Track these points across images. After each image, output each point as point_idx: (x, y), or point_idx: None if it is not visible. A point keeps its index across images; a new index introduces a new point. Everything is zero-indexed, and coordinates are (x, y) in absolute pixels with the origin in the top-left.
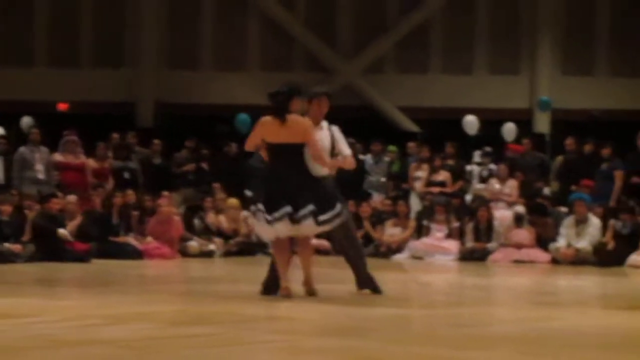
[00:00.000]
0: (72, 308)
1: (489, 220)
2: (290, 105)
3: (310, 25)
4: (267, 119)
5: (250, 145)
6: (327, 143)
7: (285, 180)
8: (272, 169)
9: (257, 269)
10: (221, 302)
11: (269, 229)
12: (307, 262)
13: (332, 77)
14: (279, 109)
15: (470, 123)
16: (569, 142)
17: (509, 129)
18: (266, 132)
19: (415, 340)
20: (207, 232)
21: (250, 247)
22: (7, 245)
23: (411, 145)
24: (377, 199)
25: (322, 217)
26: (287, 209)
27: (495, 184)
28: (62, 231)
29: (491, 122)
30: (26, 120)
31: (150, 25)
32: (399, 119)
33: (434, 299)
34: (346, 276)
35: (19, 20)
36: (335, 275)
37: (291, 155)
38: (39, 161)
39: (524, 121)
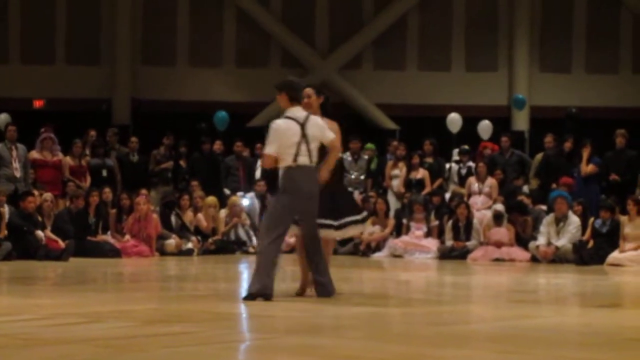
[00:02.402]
0: (48, 306)
1: (468, 219)
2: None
3: (286, 22)
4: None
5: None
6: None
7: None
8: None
9: (236, 267)
10: (198, 300)
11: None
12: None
13: (308, 74)
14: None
15: (454, 121)
16: (548, 139)
17: (485, 127)
18: None
19: (393, 339)
20: (185, 230)
21: (228, 246)
22: None
23: (394, 143)
24: (356, 197)
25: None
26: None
27: (474, 183)
28: (38, 232)
29: (469, 119)
30: (3, 117)
31: (126, 21)
32: (377, 116)
33: (413, 297)
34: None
35: None
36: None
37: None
38: (16, 159)
39: (503, 118)
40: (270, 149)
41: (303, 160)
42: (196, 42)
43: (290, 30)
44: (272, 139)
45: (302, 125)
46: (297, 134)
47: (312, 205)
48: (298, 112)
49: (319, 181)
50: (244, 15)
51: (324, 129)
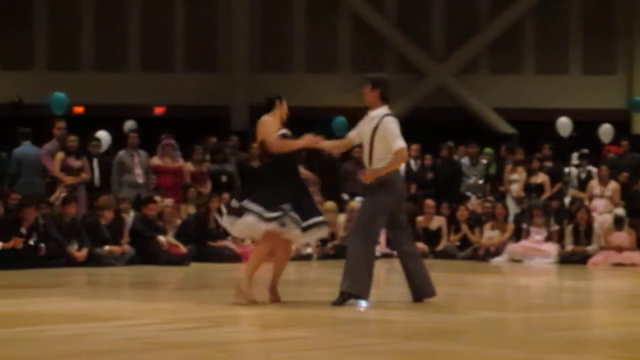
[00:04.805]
0: (169, 311)
1: (589, 223)
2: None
3: (401, 26)
4: (270, 119)
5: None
6: None
7: (299, 182)
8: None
9: None
10: (315, 305)
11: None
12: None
13: (424, 79)
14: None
15: (564, 125)
16: None
17: (606, 130)
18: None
19: (512, 344)
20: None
21: (344, 251)
22: (107, 248)
23: (503, 148)
24: (475, 202)
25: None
26: (319, 218)
27: (596, 186)
28: (160, 238)
29: (586, 123)
30: (129, 124)
31: (243, 28)
32: (493, 120)
33: (532, 302)
34: (442, 279)
35: (113, 28)
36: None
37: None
38: (138, 165)
39: (621, 122)
40: (402, 141)
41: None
42: (312, 48)
43: (406, 34)
44: (399, 132)
45: None
46: None
47: (403, 207)
48: (387, 110)
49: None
50: (359, 20)
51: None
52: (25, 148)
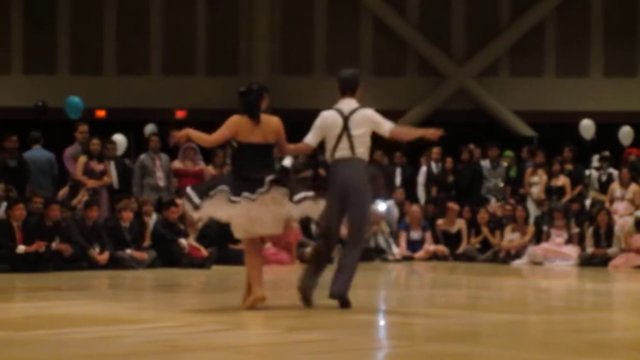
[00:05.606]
0: (192, 314)
1: (609, 225)
2: (261, 103)
3: (422, 29)
4: (239, 118)
5: (216, 140)
6: None
7: (259, 181)
8: (240, 169)
9: (375, 275)
10: (338, 307)
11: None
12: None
13: (445, 82)
14: (252, 108)
15: (587, 127)
16: None
17: (626, 133)
18: (239, 131)
19: (533, 346)
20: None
21: (367, 254)
22: (129, 252)
23: (524, 151)
24: (495, 205)
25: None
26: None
27: (616, 189)
28: (182, 241)
29: (607, 125)
30: (149, 128)
31: (264, 32)
32: (514, 123)
33: (553, 304)
34: (462, 281)
35: (135, 32)
36: (451, 280)
37: (264, 155)
38: (159, 168)
39: None
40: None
41: None
42: (333, 50)
43: (427, 37)
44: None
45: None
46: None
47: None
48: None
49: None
50: (380, 23)
51: None
52: (36, 152)
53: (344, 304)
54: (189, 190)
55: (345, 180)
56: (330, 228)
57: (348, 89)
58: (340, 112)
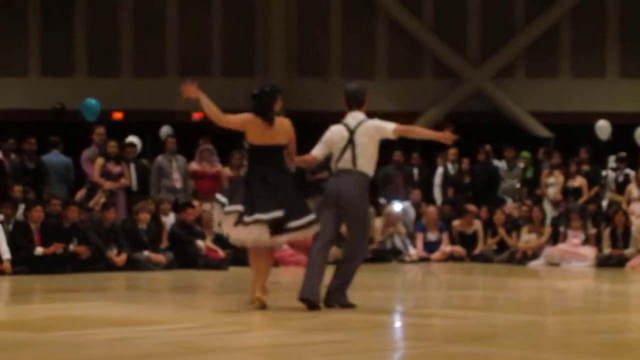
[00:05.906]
0: (208, 315)
1: (626, 226)
2: (274, 105)
3: (438, 31)
4: (253, 117)
5: (222, 120)
6: None
7: (274, 183)
8: (254, 170)
9: (392, 276)
10: (354, 308)
11: (245, 231)
12: (269, 269)
13: (461, 83)
14: (266, 110)
15: (603, 128)
16: None
17: None
18: (251, 132)
19: (551, 347)
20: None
21: (384, 255)
22: (146, 253)
23: (540, 152)
24: (511, 206)
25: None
26: (279, 213)
27: (633, 190)
28: (199, 242)
29: (623, 126)
30: (165, 130)
31: (279, 34)
32: (530, 124)
33: (570, 305)
34: (478, 282)
35: (151, 34)
36: (467, 281)
37: (275, 157)
38: (176, 170)
39: None
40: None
41: None
42: (348, 52)
43: (442, 39)
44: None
45: None
46: None
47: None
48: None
49: None
50: (396, 25)
51: None
52: (53, 156)
53: (312, 306)
54: (218, 196)
55: (339, 191)
56: (325, 230)
57: (354, 103)
58: (347, 126)
